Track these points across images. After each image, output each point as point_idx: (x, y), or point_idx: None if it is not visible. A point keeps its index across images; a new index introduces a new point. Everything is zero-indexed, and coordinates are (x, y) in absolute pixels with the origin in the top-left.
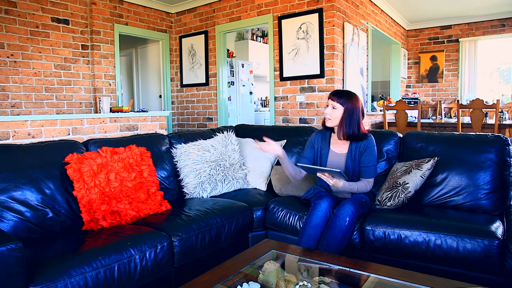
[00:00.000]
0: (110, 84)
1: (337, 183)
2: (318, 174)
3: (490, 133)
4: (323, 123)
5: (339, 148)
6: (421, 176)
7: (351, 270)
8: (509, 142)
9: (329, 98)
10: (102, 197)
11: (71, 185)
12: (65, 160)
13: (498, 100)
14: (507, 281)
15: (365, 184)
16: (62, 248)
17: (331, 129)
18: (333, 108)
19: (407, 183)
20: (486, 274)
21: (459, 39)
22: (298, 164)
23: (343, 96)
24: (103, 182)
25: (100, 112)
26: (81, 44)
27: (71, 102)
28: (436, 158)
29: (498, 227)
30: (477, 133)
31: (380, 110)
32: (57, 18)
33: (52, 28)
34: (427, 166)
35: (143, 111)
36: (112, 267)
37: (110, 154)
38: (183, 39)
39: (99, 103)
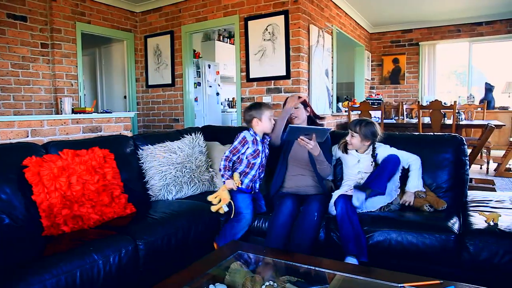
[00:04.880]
0: (72, 85)
1: (315, 149)
2: (300, 139)
3: (447, 133)
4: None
5: None
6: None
7: (317, 268)
8: (465, 141)
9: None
10: (64, 201)
11: (30, 190)
12: (23, 163)
13: (455, 102)
14: (464, 273)
15: (327, 165)
16: (20, 255)
17: None
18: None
19: None
20: (445, 267)
21: (419, 43)
22: (291, 125)
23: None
24: (64, 185)
25: (61, 113)
26: (41, 43)
27: (30, 103)
28: None
29: (454, 223)
30: (436, 133)
31: (345, 111)
32: (13, 15)
33: (8, 25)
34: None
35: (107, 112)
36: (73, 273)
37: (72, 156)
38: (148, 39)
39: (61, 104)
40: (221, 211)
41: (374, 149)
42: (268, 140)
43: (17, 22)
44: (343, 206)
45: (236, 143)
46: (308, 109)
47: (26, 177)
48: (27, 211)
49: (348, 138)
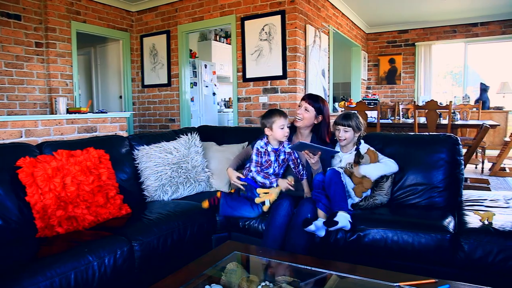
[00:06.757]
0: (67, 84)
1: (316, 164)
2: (304, 152)
3: (441, 133)
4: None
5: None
6: (385, 195)
7: (314, 268)
8: (459, 141)
9: (302, 99)
10: (58, 202)
11: (24, 191)
12: (16, 164)
13: (450, 102)
14: (460, 272)
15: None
16: (13, 257)
17: (294, 128)
18: (306, 110)
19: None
20: (440, 267)
21: (415, 43)
22: (301, 141)
23: (317, 99)
24: (59, 186)
25: (56, 113)
26: (35, 42)
27: (24, 103)
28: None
29: (450, 222)
30: (431, 133)
31: (342, 111)
32: (6, 13)
33: (2, 23)
34: (387, 184)
35: (102, 112)
36: (68, 275)
37: (66, 157)
38: (144, 39)
39: (55, 103)
40: (264, 209)
41: (359, 142)
42: (286, 145)
43: (11, 20)
44: (332, 171)
45: (254, 157)
46: (320, 117)
47: (19, 178)
48: (20, 212)
49: (341, 134)
